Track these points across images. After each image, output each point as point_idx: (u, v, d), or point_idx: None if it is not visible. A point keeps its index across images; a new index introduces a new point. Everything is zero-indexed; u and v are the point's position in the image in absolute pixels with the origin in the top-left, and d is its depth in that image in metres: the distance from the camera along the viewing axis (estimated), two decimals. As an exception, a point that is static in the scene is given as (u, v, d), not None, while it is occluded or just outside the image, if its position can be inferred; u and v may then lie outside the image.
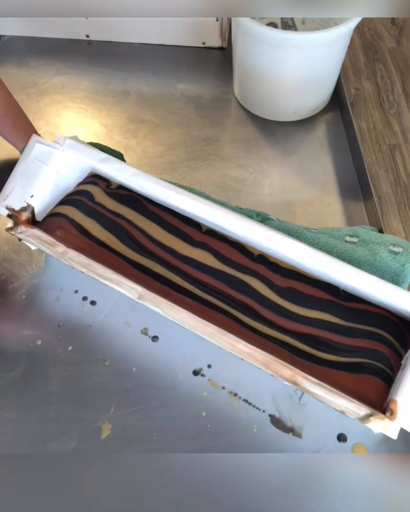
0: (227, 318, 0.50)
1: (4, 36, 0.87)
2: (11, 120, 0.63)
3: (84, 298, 0.58)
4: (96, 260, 0.52)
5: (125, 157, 0.71)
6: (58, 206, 0.57)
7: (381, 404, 0.45)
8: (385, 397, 0.45)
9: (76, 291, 0.59)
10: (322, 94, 0.75)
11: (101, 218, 0.55)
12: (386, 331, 0.48)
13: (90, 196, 0.56)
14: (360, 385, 0.46)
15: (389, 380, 0.46)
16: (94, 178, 0.58)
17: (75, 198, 0.57)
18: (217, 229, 0.55)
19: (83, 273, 0.50)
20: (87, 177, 0.59)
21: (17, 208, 0.55)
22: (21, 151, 0.60)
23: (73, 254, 0.51)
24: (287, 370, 0.44)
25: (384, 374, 0.46)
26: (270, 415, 0.52)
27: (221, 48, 0.86)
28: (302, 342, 0.49)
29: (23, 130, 0.63)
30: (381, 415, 0.41)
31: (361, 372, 0.46)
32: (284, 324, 0.50)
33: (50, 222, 0.55)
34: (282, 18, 0.76)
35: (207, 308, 0.50)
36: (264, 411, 0.52)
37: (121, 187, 0.58)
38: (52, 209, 0.57)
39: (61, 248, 0.51)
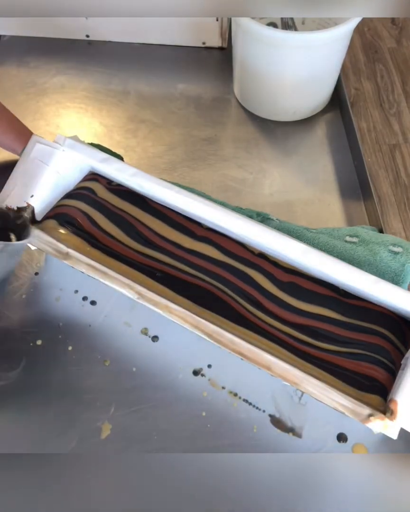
0: (233, 301, 0.51)
1: (4, 36, 0.87)
2: (5, 124, 0.62)
3: (84, 298, 0.58)
4: (108, 249, 0.53)
5: (125, 157, 0.71)
6: (63, 200, 0.57)
7: (386, 384, 0.45)
8: (390, 381, 0.45)
9: (76, 291, 0.59)
10: (322, 94, 0.75)
11: (107, 212, 0.56)
12: (387, 329, 0.49)
13: (92, 191, 0.57)
14: (361, 368, 0.46)
15: (391, 373, 0.46)
16: (95, 176, 0.59)
17: (79, 192, 0.57)
18: (217, 229, 0.55)
19: (83, 272, 0.50)
20: (87, 175, 0.59)
21: (17, 208, 0.55)
22: (21, 153, 0.60)
23: (73, 254, 0.51)
24: (287, 372, 0.44)
25: (386, 366, 0.46)
26: (270, 415, 0.52)
27: (220, 48, 0.86)
28: (303, 333, 0.49)
29: (20, 133, 0.63)
30: (381, 415, 0.41)
31: (362, 360, 0.47)
32: (285, 316, 0.50)
33: (62, 212, 0.55)
34: (282, 18, 0.76)
35: (215, 288, 0.51)
36: (264, 411, 0.52)
37: (122, 184, 0.58)
38: (58, 202, 0.57)
39: (61, 248, 0.51)
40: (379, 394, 0.44)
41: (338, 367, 0.47)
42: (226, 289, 0.52)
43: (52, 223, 0.54)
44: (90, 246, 0.53)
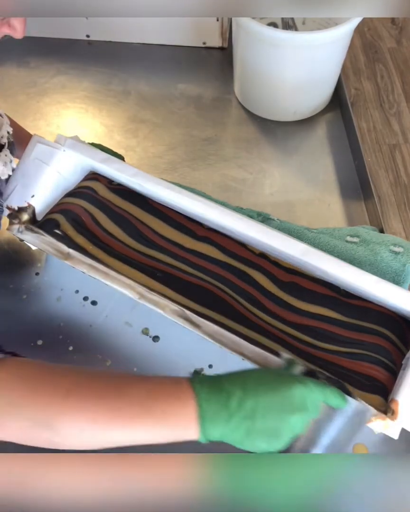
0: (234, 301, 0.51)
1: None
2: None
3: (85, 298, 0.58)
4: (109, 249, 0.53)
5: (125, 157, 0.71)
6: (66, 198, 0.57)
7: (386, 384, 0.45)
8: (391, 381, 0.45)
9: (77, 291, 0.59)
10: (322, 94, 0.75)
11: (108, 211, 0.56)
12: (388, 329, 0.49)
13: (93, 190, 0.57)
14: (362, 368, 0.46)
15: (392, 372, 0.46)
16: (95, 175, 0.59)
17: (80, 191, 0.57)
18: (217, 229, 0.55)
19: (84, 273, 0.50)
20: (87, 175, 0.59)
21: (17, 208, 0.55)
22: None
23: (74, 254, 0.51)
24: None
25: (387, 366, 0.46)
26: (271, 415, 0.52)
27: (221, 48, 0.86)
28: (303, 333, 0.49)
29: (19, 136, 0.62)
30: (382, 415, 0.41)
31: (363, 360, 0.46)
32: (286, 316, 0.50)
33: (67, 209, 0.55)
34: (282, 18, 0.76)
35: (216, 288, 0.51)
36: (264, 411, 0.52)
37: (122, 184, 0.58)
38: (60, 200, 0.57)
39: (62, 248, 0.51)
40: (380, 394, 0.44)
41: (339, 367, 0.47)
42: (226, 289, 0.52)
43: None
44: (92, 245, 0.53)
